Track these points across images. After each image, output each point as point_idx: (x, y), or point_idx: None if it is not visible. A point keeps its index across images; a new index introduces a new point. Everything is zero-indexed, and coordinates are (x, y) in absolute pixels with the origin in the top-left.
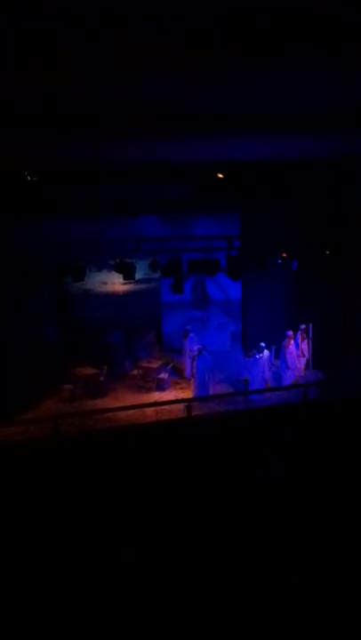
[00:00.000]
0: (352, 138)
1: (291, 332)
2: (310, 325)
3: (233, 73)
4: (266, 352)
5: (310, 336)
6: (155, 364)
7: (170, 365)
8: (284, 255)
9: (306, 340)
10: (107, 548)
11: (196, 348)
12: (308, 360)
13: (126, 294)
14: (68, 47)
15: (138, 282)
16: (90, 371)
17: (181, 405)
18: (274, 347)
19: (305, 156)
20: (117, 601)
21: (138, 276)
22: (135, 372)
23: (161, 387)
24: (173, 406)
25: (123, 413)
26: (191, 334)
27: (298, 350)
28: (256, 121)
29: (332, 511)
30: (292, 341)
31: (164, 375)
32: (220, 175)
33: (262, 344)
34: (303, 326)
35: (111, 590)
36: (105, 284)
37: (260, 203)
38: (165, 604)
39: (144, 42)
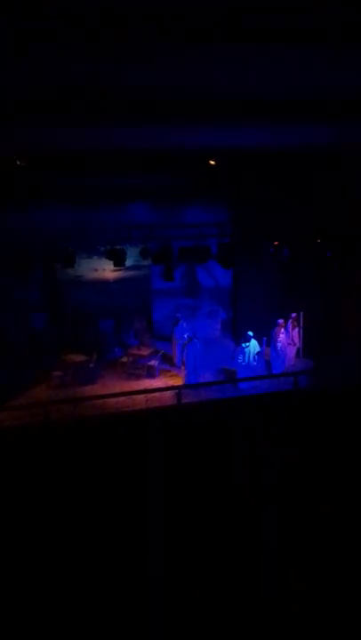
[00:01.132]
0: (342, 127)
1: (281, 321)
2: (301, 314)
3: (227, 59)
4: (253, 341)
5: (301, 324)
6: (145, 352)
7: (160, 353)
8: (276, 243)
9: (297, 329)
10: (97, 534)
11: (186, 335)
12: (298, 348)
13: (116, 281)
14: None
15: (128, 269)
16: (79, 357)
17: (171, 393)
18: (265, 337)
19: (295, 143)
20: (111, 588)
21: (128, 262)
22: (125, 359)
23: (151, 374)
24: (163, 394)
25: (112, 400)
26: (181, 322)
27: (288, 339)
28: (248, 109)
29: (324, 498)
30: (282, 330)
31: (153, 362)
32: (212, 162)
33: (250, 333)
34: (294, 315)
35: (104, 578)
36: (95, 270)
37: (251, 190)
38: (160, 590)
39: (141, 33)
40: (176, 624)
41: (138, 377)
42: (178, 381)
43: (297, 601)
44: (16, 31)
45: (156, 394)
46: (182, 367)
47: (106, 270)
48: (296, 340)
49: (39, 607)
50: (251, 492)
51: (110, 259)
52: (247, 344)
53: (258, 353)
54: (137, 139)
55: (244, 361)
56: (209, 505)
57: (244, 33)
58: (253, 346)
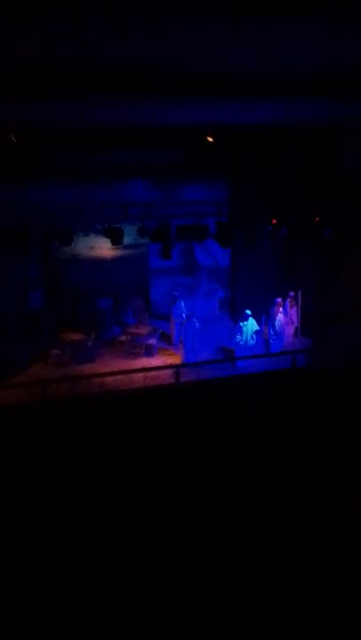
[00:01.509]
0: (337, 104)
1: (280, 300)
2: (299, 293)
3: (218, 32)
4: (251, 320)
5: (299, 303)
6: (143, 330)
7: (158, 332)
8: (274, 222)
9: (295, 308)
10: (95, 511)
11: (184, 314)
12: (296, 327)
13: (114, 260)
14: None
15: (126, 247)
16: (78, 336)
17: (169, 371)
18: (264, 316)
19: (291, 121)
20: (108, 565)
21: (126, 241)
22: (123, 337)
23: (149, 353)
24: (161, 372)
25: (110, 379)
26: (179, 300)
27: (287, 317)
28: (242, 86)
29: (322, 476)
30: (281, 309)
31: (152, 341)
32: (210, 139)
33: (248, 312)
34: (292, 293)
35: (102, 555)
36: (92, 248)
37: (249, 169)
38: (159, 572)
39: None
40: (173, 609)
41: (136, 355)
42: (176, 360)
43: (296, 593)
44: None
45: (155, 372)
46: (180, 346)
47: (103, 249)
48: (294, 318)
49: (35, 585)
50: (249, 469)
51: (108, 237)
52: (245, 323)
53: (256, 332)
54: (136, 115)
55: (242, 340)
56: (208, 483)
57: (243, 5)
58: (251, 324)
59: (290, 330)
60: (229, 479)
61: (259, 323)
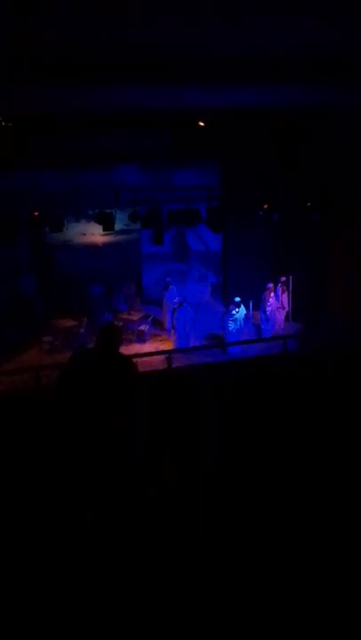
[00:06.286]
0: (331, 88)
1: (271, 285)
2: (290, 278)
3: (213, 12)
4: (242, 307)
5: (290, 288)
6: (135, 317)
7: (150, 318)
8: (266, 206)
9: (286, 293)
10: (87, 495)
11: (176, 300)
12: (287, 312)
13: (106, 245)
14: None
15: (117, 233)
16: (69, 323)
17: (162, 357)
18: (252, 300)
19: (284, 104)
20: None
21: (117, 226)
22: (115, 324)
23: (141, 339)
24: (153, 358)
25: None
26: (171, 286)
27: (278, 303)
28: (236, 68)
29: (312, 461)
30: (272, 294)
31: (144, 327)
32: (202, 123)
33: (237, 299)
34: (283, 279)
35: (90, 547)
36: (84, 234)
37: (241, 153)
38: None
39: None
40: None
41: (128, 342)
42: (168, 346)
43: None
44: None
45: (147, 358)
46: (173, 332)
47: (95, 234)
48: (285, 303)
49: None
50: (240, 454)
51: (99, 223)
52: (237, 310)
53: (245, 316)
54: (125, 98)
55: (235, 327)
56: (199, 467)
57: None
58: (242, 310)
59: (281, 315)
60: (220, 464)
61: (246, 307)
